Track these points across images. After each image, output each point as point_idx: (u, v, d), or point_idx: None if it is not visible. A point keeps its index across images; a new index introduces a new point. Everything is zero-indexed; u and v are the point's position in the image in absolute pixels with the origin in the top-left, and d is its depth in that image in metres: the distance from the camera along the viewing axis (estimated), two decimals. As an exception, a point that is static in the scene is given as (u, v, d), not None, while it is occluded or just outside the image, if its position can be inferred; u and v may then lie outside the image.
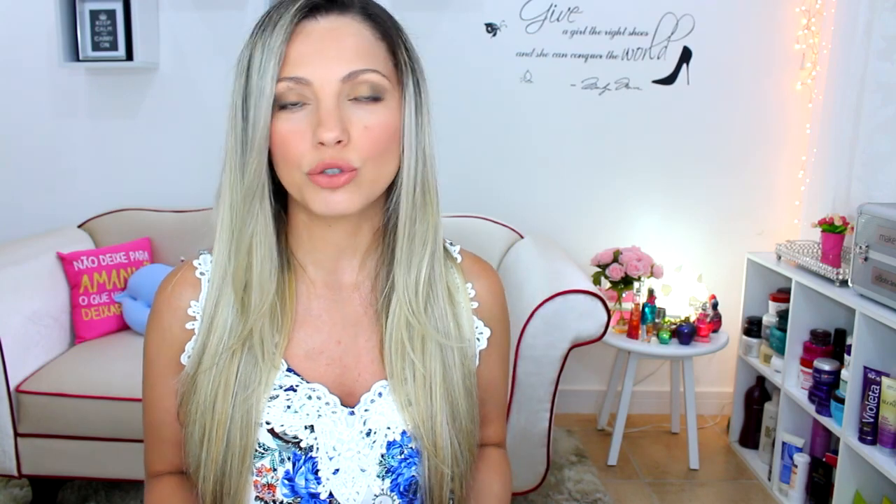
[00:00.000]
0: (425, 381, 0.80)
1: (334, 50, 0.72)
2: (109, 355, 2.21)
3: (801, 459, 2.25)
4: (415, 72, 0.79)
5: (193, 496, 0.84)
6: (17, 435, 2.05)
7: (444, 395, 0.80)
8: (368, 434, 0.81)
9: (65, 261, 2.35)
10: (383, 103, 0.75)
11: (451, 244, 0.91)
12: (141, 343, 2.28)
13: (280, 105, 0.73)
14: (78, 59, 2.64)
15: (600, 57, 2.76)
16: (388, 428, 0.81)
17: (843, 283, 2.08)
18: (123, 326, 2.43)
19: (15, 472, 2.07)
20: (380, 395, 0.81)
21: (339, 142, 0.71)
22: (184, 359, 0.84)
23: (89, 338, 2.35)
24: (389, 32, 0.77)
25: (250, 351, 0.79)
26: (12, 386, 2.02)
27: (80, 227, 2.63)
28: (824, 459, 2.23)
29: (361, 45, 0.74)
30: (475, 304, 0.88)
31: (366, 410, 0.81)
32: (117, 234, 2.59)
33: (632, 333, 2.55)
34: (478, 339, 0.88)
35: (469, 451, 0.84)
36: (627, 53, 2.76)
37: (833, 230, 2.28)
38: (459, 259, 0.90)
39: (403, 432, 0.81)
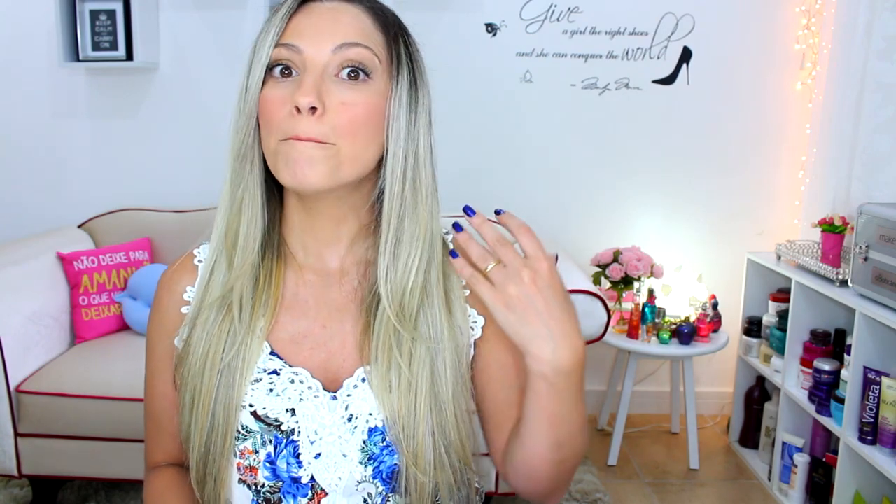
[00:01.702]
0: (410, 386, 0.78)
1: (330, 24, 0.75)
2: (109, 355, 2.21)
3: (801, 459, 2.25)
4: (412, 69, 0.79)
5: (190, 487, 0.84)
6: (17, 435, 2.05)
7: (430, 405, 0.79)
8: (350, 419, 0.80)
9: (65, 261, 2.35)
10: (369, 85, 0.75)
11: (447, 233, 0.89)
12: (141, 343, 2.28)
13: (273, 75, 0.76)
14: (78, 59, 2.64)
15: (600, 57, 2.76)
16: (370, 414, 0.80)
17: (843, 283, 2.08)
18: (123, 326, 2.43)
19: (15, 472, 2.07)
20: (363, 380, 0.81)
21: (314, 109, 0.72)
22: (178, 342, 0.85)
23: (89, 338, 2.35)
24: (391, 28, 0.78)
25: (230, 313, 0.80)
26: (12, 386, 2.02)
27: (80, 227, 2.63)
28: (824, 459, 2.23)
29: (358, 26, 0.76)
30: (467, 292, 0.86)
31: (348, 395, 0.81)
32: (117, 234, 2.59)
33: (632, 333, 2.55)
34: (472, 329, 0.86)
35: (460, 460, 0.81)
36: (627, 53, 2.76)
37: (833, 230, 2.28)
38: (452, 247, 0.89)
39: (385, 419, 0.80)
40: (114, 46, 2.63)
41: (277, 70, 0.75)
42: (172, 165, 2.82)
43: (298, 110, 0.72)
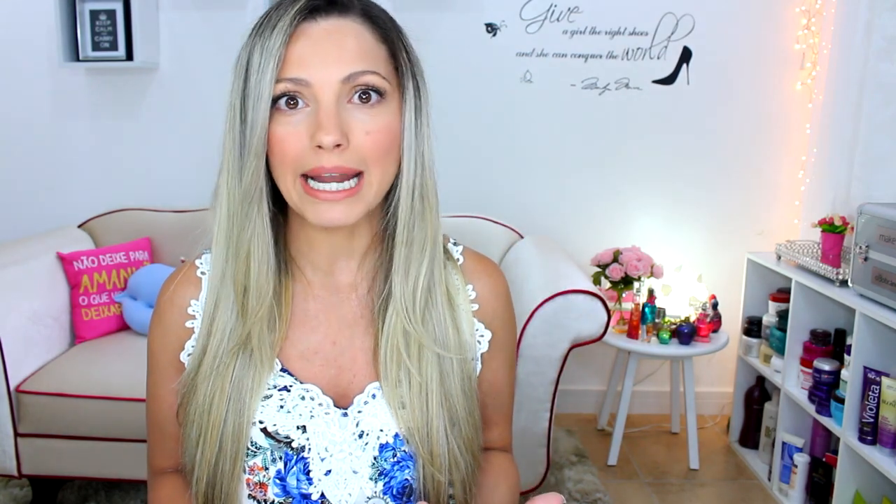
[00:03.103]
0: (421, 388, 0.79)
1: (334, 51, 0.71)
2: (109, 355, 2.21)
3: (801, 459, 2.25)
4: (415, 75, 0.77)
5: None
6: (17, 435, 2.05)
7: (441, 402, 0.79)
8: (361, 436, 0.80)
9: (65, 261, 2.35)
10: (383, 106, 0.74)
11: (454, 244, 0.90)
12: (141, 343, 2.28)
13: (278, 107, 0.72)
14: (78, 59, 2.64)
15: (600, 57, 2.76)
16: (381, 430, 0.80)
17: (843, 283, 2.08)
18: (123, 326, 2.43)
19: (15, 472, 2.07)
20: (373, 396, 0.81)
21: (338, 145, 0.70)
22: (184, 357, 0.84)
23: (89, 338, 2.35)
24: (390, 35, 0.76)
25: (247, 353, 0.79)
26: (12, 386, 2.02)
27: (80, 227, 2.63)
28: (824, 459, 2.23)
29: (362, 47, 0.73)
30: (475, 306, 0.86)
31: (359, 412, 0.80)
32: (117, 234, 2.59)
33: (632, 333, 2.55)
34: (478, 343, 0.86)
35: (472, 456, 0.83)
36: (627, 53, 2.76)
37: (833, 230, 2.28)
38: (461, 260, 0.88)
39: (396, 435, 0.80)
40: (114, 46, 2.64)
41: (282, 101, 0.72)
42: (172, 165, 2.82)
43: (320, 147, 0.70)
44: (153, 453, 0.91)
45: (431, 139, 0.79)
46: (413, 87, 0.77)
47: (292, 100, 0.72)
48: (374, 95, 0.73)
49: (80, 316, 2.35)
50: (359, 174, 0.73)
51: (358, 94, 0.72)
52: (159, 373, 0.86)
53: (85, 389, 2.03)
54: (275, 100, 0.71)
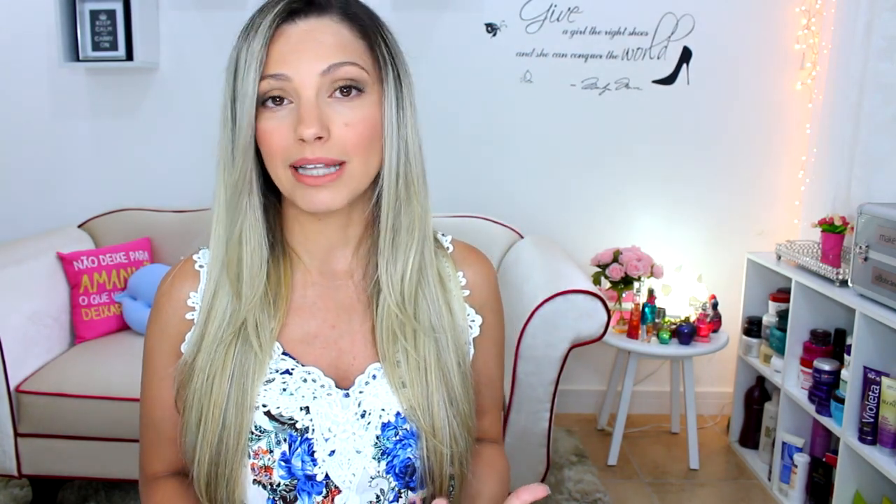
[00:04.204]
0: (419, 365, 0.82)
1: (312, 48, 0.75)
2: (109, 355, 2.21)
3: (801, 459, 2.25)
4: (395, 66, 0.80)
5: (195, 499, 0.83)
6: (17, 435, 2.05)
7: (439, 377, 0.82)
8: (363, 415, 0.82)
9: (65, 261, 2.35)
10: (364, 98, 0.77)
11: (442, 235, 0.92)
12: (141, 343, 2.28)
13: (264, 104, 0.76)
14: (78, 59, 2.65)
15: (600, 57, 2.76)
16: (383, 409, 0.82)
17: (843, 283, 2.08)
18: (123, 326, 2.43)
19: (15, 472, 2.07)
20: (374, 377, 0.83)
21: (319, 138, 0.74)
22: (183, 348, 0.85)
23: (89, 338, 2.35)
24: (368, 31, 0.79)
25: (245, 339, 0.80)
26: (12, 386, 2.02)
27: (80, 227, 2.63)
28: (824, 459, 2.23)
29: (339, 42, 0.76)
30: (466, 292, 0.89)
31: (360, 392, 0.82)
32: (117, 234, 2.59)
33: (632, 333, 2.55)
34: (470, 327, 0.89)
35: (468, 432, 0.85)
36: (627, 53, 2.76)
37: (833, 230, 2.28)
38: (451, 249, 0.91)
39: (398, 413, 0.82)
40: (114, 46, 2.64)
41: (269, 99, 0.76)
42: (172, 165, 2.82)
43: (302, 139, 0.73)
44: (146, 457, 0.90)
45: (416, 128, 0.81)
46: (394, 78, 0.79)
47: (278, 97, 0.76)
48: (353, 89, 0.76)
49: (80, 316, 2.35)
50: (341, 164, 0.76)
51: (338, 88, 0.76)
52: (157, 369, 0.86)
53: (85, 389, 2.03)
54: (263, 99, 0.75)
